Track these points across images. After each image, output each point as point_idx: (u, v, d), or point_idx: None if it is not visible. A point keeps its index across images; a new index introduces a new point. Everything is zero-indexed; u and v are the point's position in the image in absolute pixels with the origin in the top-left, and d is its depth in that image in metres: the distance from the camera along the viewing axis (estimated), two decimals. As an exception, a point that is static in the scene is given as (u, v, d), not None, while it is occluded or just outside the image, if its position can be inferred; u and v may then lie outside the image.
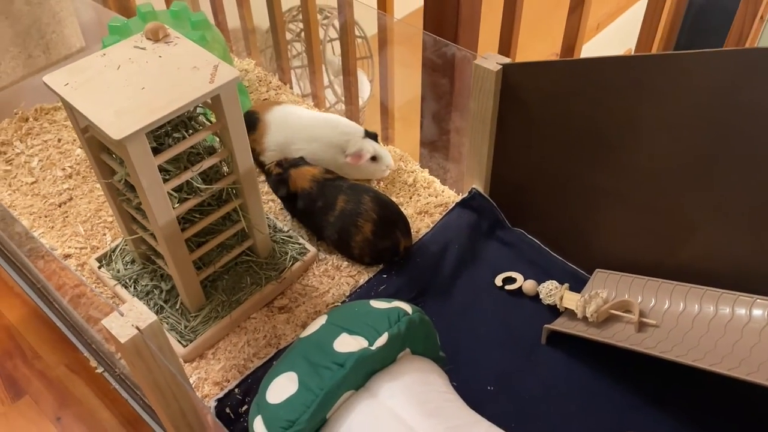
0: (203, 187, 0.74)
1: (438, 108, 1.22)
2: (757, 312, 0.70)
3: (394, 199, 0.97)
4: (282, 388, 0.59)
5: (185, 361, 0.79)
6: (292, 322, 0.83)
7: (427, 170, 1.04)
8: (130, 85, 0.65)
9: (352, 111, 1.54)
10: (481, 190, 0.93)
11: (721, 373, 0.64)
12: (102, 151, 0.72)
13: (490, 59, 0.81)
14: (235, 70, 0.67)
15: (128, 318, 0.55)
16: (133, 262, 0.88)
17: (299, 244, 0.90)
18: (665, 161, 0.74)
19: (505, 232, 0.93)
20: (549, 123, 0.81)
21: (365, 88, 2.02)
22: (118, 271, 0.87)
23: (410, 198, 0.99)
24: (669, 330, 0.74)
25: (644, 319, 0.76)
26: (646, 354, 0.71)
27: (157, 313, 0.82)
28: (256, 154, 0.99)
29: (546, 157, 0.84)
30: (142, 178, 0.65)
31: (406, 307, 0.64)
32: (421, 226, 0.93)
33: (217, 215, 0.77)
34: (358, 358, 0.58)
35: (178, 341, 0.79)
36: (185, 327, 0.80)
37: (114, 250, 0.89)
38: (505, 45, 1.06)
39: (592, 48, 2.31)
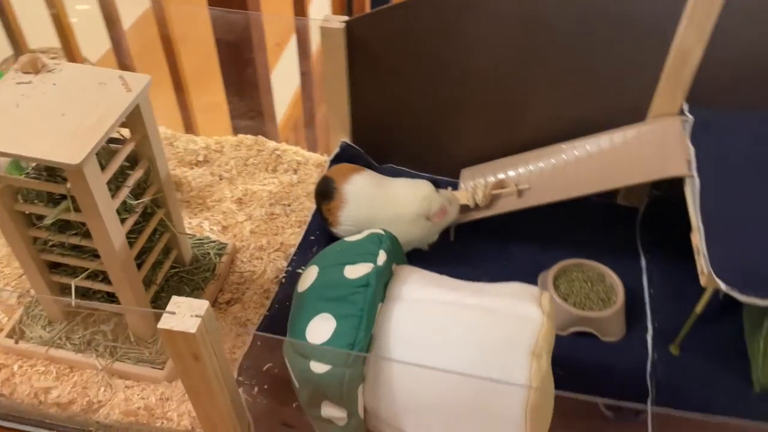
0: (135, 202, 0.72)
1: (242, 79, 1.28)
2: (589, 147, 0.94)
3: (276, 177, 1.03)
4: (320, 329, 0.64)
5: (169, 381, 0.77)
6: (248, 308, 0.85)
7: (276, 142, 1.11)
8: (47, 116, 0.62)
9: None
10: (349, 141, 1.04)
11: (585, 194, 0.87)
12: (18, 201, 0.67)
13: (331, 20, 0.92)
14: (145, 75, 0.68)
15: (183, 311, 0.55)
16: (50, 323, 0.81)
17: (213, 241, 0.92)
18: (495, 63, 0.93)
19: (378, 171, 1.06)
20: (395, 61, 0.95)
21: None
22: (41, 337, 0.79)
23: (290, 171, 1.06)
24: (539, 185, 0.94)
25: (520, 187, 0.96)
26: (532, 207, 0.91)
27: (111, 354, 0.78)
28: (328, 224, 0.92)
29: (398, 92, 0.98)
30: (98, 201, 0.63)
31: (377, 230, 0.74)
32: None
33: (150, 229, 0.76)
34: (377, 273, 0.66)
35: (153, 368, 0.77)
36: (151, 353, 0.78)
37: (20, 322, 0.81)
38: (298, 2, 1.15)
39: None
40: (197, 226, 0.96)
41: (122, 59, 1.37)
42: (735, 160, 0.79)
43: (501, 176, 0.98)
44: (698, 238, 0.72)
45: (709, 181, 0.77)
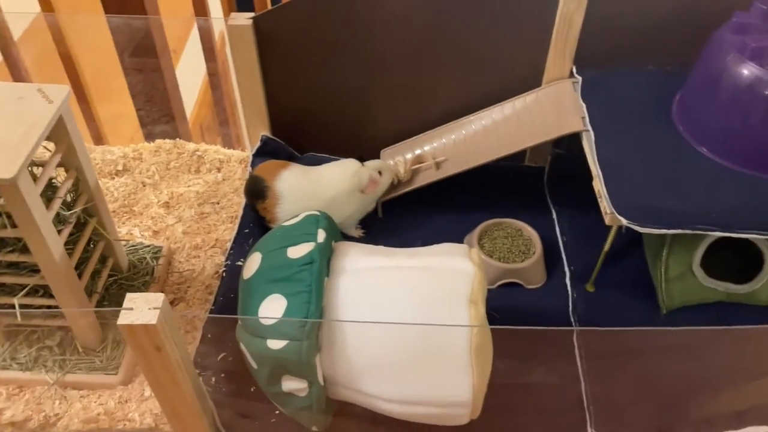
0: (68, 213, 0.73)
1: (149, 85, 1.28)
2: (495, 116, 1.02)
3: (200, 178, 1.04)
4: (272, 309, 0.67)
5: (125, 385, 0.78)
6: (193, 305, 0.87)
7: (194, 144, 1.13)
8: (-30, 134, 0.62)
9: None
10: (268, 134, 1.07)
11: (496, 158, 0.95)
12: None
13: (238, 18, 0.94)
14: (63, 86, 0.68)
15: (140, 306, 0.57)
16: (-10, 347, 0.80)
17: (148, 246, 0.92)
18: (401, 45, 0.98)
19: (300, 161, 1.09)
20: (305, 51, 0.98)
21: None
22: (-17, 362, 0.78)
23: (214, 170, 1.07)
24: (454, 155, 1.01)
25: (437, 160, 1.02)
26: (450, 176, 0.97)
27: (61, 367, 0.78)
28: (266, 222, 0.93)
29: (312, 81, 1.02)
30: (34, 214, 0.63)
31: (312, 212, 0.77)
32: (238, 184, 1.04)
33: (85, 238, 0.77)
34: (320, 250, 0.70)
35: (106, 375, 0.78)
36: (102, 360, 0.79)
37: (-43, 350, 0.79)
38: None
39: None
40: (128, 233, 0.96)
41: (16, 74, 1.33)
42: (621, 112, 0.89)
43: (418, 152, 1.04)
44: (599, 184, 0.81)
45: (602, 132, 0.86)
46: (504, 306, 0.88)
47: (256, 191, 0.93)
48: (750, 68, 0.76)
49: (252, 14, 0.95)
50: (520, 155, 1.09)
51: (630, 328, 0.70)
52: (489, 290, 0.90)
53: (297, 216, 0.78)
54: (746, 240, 0.82)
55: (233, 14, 0.95)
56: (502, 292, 0.91)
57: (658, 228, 0.75)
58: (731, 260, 0.85)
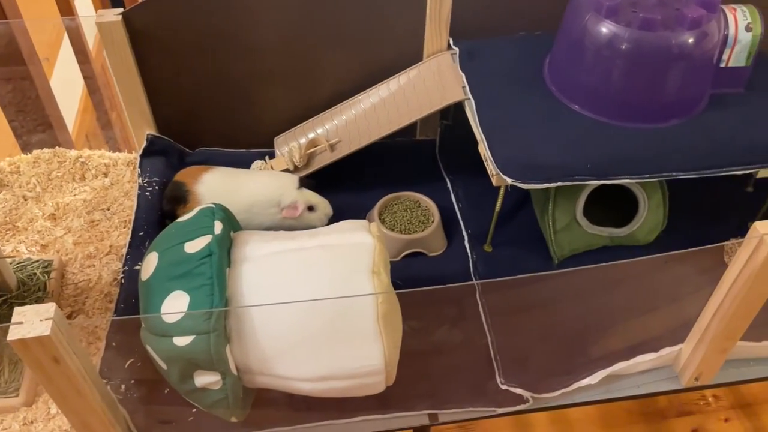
0: (-60, 235, 0.68)
1: (19, 94, 1.21)
2: (381, 93, 1.04)
3: (86, 185, 1.00)
4: (175, 306, 0.66)
5: (28, 405, 0.74)
6: (93, 315, 0.84)
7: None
8: None
9: None
10: (155, 132, 1.03)
11: (387, 134, 0.97)
12: None
13: (106, 14, 0.91)
14: None
15: (30, 318, 0.55)
16: None
17: (36, 261, 0.88)
18: (281, 30, 0.98)
19: (191, 157, 1.07)
20: (184, 44, 0.96)
21: None
22: None
23: (100, 176, 1.03)
24: (346, 136, 1.02)
25: (331, 142, 1.03)
26: (345, 156, 0.99)
27: (-46, 400, 0.73)
28: None
29: (195, 74, 1.00)
30: None
31: (207, 205, 0.76)
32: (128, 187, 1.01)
33: (-36, 260, 0.72)
34: (218, 241, 0.69)
35: (7, 398, 0.74)
36: (0, 384, 0.75)
37: None
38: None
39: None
40: (13, 250, 0.91)
41: None
42: (498, 78, 0.93)
43: (312, 135, 1.05)
44: (484, 148, 0.85)
45: (481, 99, 0.90)
46: (410, 275, 0.91)
47: (177, 196, 0.92)
48: (607, 26, 0.82)
49: (121, 9, 0.92)
50: (411, 130, 1.12)
51: (527, 275, 0.74)
52: (394, 262, 0.93)
53: (191, 211, 0.77)
54: (623, 187, 0.89)
55: (101, 11, 0.91)
56: (407, 262, 0.93)
57: (540, 183, 0.80)
58: (612, 208, 0.92)
